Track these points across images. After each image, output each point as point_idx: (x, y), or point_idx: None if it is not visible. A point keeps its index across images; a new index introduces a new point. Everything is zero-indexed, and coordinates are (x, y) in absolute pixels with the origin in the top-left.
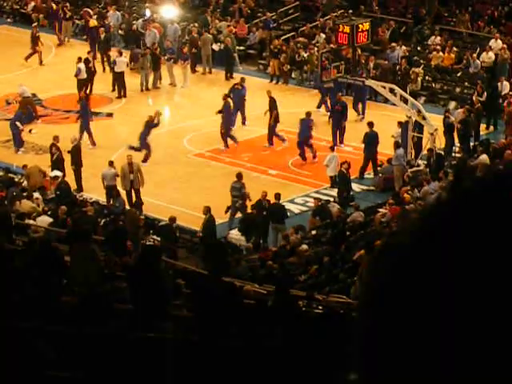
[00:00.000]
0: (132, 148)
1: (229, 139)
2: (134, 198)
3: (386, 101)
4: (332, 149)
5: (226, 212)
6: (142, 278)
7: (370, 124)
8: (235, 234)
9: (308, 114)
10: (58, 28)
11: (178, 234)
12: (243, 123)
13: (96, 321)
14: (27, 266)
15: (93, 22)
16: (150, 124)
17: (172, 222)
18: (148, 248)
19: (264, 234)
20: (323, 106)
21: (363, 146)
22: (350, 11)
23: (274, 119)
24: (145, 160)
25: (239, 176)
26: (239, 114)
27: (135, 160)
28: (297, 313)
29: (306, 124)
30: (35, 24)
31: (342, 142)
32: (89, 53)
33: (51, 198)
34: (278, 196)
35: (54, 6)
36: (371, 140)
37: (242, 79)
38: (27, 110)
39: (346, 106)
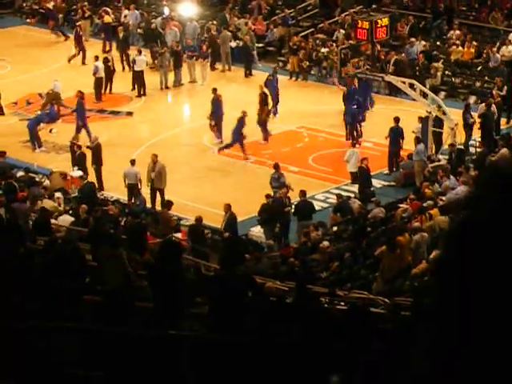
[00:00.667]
0: (223, 148)
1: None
2: (158, 198)
3: (402, 95)
4: (353, 144)
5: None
6: (161, 276)
7: (396, 119)
8: (256, 232)
9: None
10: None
11: (206, 233)
12: (274, 114)
13: (117, 320)
14: (49, 264)
15: (107, 19)
16: (241, 120)
17: (198, 222)
18: (167, 244)
19: (285, 231)
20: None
21: (388, 140)
22: (374, 6)
23: (267, 114)
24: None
25: (276, 166)
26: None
27: (160, 160)
28: (318, 309)
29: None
30: (79, 23)
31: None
32: (108, 51)
33: (73, 197)
34: (303, 193)
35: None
36: (396, 135)
37: (275, 69)
38: (50, 107)
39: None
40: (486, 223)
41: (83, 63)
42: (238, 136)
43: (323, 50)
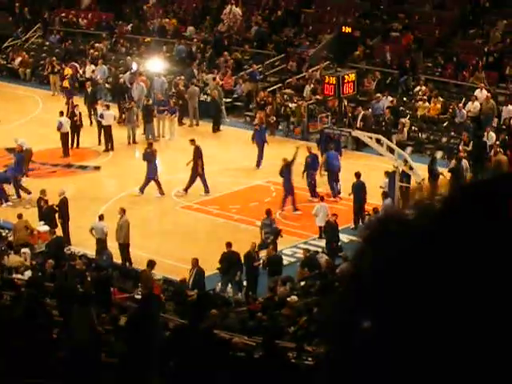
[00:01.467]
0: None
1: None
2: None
3: (369, 150)
4: (321, 199)
5: (260, 249)
6: (140, 328)
7: (357, 174)
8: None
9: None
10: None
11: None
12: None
13: (84, 374)
14: (15, 320)
15: (65, 83)
16: (289, 164)
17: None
18: (149, 297)
19: (253, 286)
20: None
21: (352, 196)
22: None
23: (202, 168)
24: (295, 209)
25: (268, 212)
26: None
27: (125, 215)
28: (286, 364)
29: None
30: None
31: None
32: (74, 106)
33: (39, 252)
34: (274, 248)
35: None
36: (359, 190)
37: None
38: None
39: (316, 157)
40: (369, 275)
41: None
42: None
43: (291, 105)
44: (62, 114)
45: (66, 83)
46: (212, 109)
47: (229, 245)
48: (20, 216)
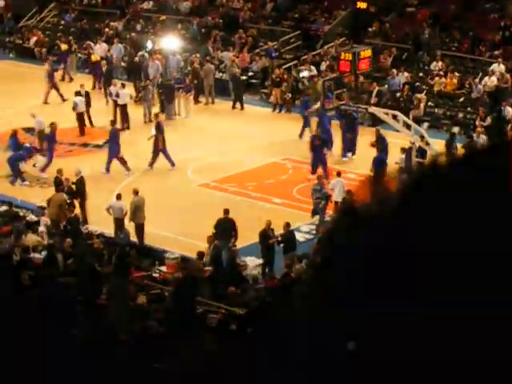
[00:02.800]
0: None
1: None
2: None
3: (386, 126)
4: (338, 174)
5: (313, 216)
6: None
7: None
8: (241, 261)
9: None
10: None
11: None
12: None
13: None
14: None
15: (95, 57)
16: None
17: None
18: (186, 279)
19: (270, 262)
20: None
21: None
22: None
23: (163, 143)
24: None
25: (319, 177)
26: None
27: (140, 194)
28: None
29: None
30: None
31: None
32: (81, 86)
33: (57, 231)
34: (287, 225)
35: (63, 46)
36: (378, 164)
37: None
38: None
39: (325, 139)
40: (332, 259)
41: (63, 100)
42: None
43: (307, 82)
44: (77, 94)
45: (95, 57)
46: (234, 86)
47: (226, 211)
48: (58, 190)
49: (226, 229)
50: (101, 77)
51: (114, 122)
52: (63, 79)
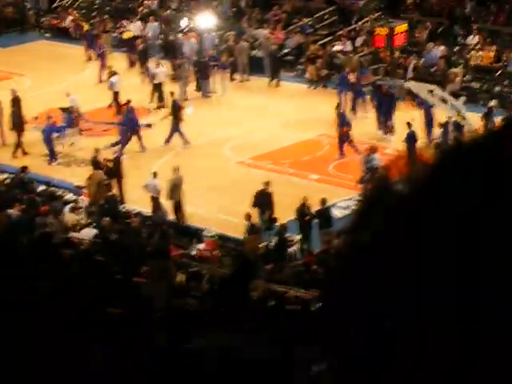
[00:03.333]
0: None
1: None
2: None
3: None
4: (373, 150)
5: (360, 184)
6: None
7: (409, 124)
8: (289, 237)
9: None
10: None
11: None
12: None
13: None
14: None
15: (127, 35)
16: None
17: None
18: (244, 261)
19: (306, 238)
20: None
21: (406, 145)
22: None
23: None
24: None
25: (372, 148)
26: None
27: (178, 172)
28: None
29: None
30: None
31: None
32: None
33: (95, 211)
34: (323, 201)
35: (85, 26)
36: (411, 139)
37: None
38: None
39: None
40: (369, 247)
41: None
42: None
43: (342, 57)
44: (111, 73)
45: (127, 35)
46: (270, 63)
47: (266, 184)
48: (96, 169)
49: (263, 201)
50: (137, 54)
51: (173, 95)
52: (90, 59)
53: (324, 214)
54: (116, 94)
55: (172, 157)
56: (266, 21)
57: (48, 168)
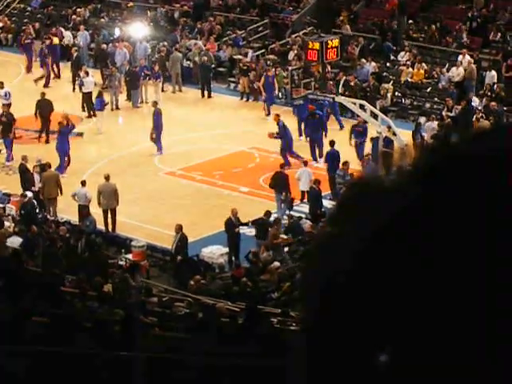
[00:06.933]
0: None
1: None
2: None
3: (353, 116)
4: (304, 163)
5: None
6: None
7: (331, 143)
8: (207, 252)
9: None
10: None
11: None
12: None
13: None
14: None
15: (55, 40)
16: None
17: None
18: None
19: (236, 252)
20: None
21: (326, 165)
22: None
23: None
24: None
25: (345, 163)
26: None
27: (111, 180)
28: (269, 330)
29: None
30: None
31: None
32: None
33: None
34: (267, 213)
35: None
36: (333, 159)
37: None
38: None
39: (321, 115)
40: (343, 237)
41: (46, 86)
42: None
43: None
44: (87, 73)
45: (55, 41)
46: (204, 74)
47: (281, 166)
48: (49, 166)
49: (280, 182)
50: (71, 63)
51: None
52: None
53: (263, 225)
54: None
55: (102, 166)
56: (199, 32)
57: None
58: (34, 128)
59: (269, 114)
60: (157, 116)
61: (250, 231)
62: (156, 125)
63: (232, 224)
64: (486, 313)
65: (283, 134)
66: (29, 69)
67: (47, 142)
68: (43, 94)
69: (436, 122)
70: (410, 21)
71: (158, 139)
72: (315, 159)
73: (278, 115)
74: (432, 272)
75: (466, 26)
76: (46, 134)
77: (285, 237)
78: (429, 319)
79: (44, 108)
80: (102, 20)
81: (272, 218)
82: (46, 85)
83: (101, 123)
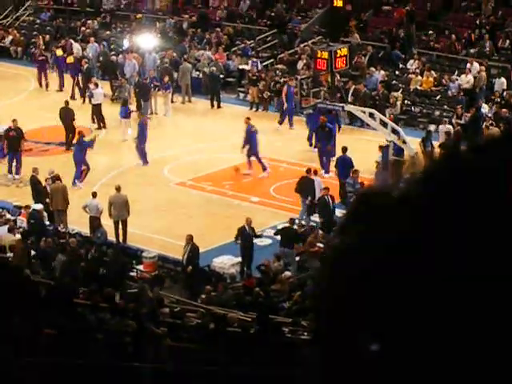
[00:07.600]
0: None
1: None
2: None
3: (362, 125)
4: (314, 173)
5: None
6: None
7: (344, 149)
8: (219, 262)
9: None
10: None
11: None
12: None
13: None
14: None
15: (70, 59)
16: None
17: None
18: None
19: (249, 261)
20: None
21: (336, 171)
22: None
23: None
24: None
25: (355, 172)
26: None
27: (122, 191)
28: (281, 339)
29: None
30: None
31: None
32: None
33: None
34: (291, 221)
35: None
36: (344, 165)
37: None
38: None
39: (331, 128)
40: (355, 250)
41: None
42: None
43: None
44: (96, 85)
45: (70, 59)
46: (213, 84)
47: (308, 171)
48: (58, 178)
49: (306, 187)
50: (82, 75)
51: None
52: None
53: (288, 232)
54: (97, 107)
55: (112, 177)
56: (207, 42)
57: None
58: (45, 140)
59: (291, 126)
60: (141, 127)
61: (262, 241)
62: (140, 136)
63: (247, 233)
64: (486, 323)
65: (249, 138)
66: (61, 86)
67: (68, 149)
68: (67, 102)
69: (448, 126)
70: (427, 31)
71: (142, 151)
72: (327, 172)
73: (248, 118)
74: (444, 284)
75: (475, 34)
76: (66, 142)
77: (321, 246)
78: (445, 336)
79: (65, 116)
80: (108, 32)
81: (295, 226)
82: (72, 97)
83: (125, 131)
